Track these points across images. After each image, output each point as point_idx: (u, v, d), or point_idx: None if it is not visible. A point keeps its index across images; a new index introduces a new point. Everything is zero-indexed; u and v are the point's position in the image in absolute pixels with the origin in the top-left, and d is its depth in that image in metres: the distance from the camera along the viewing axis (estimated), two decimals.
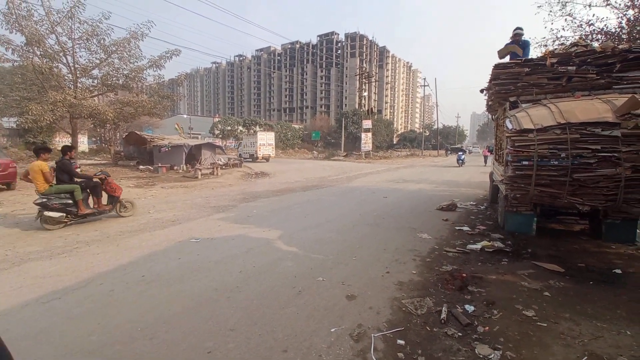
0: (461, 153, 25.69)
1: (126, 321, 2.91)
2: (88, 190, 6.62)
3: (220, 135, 45.50)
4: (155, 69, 14.28)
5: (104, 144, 25.03)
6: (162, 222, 6.61)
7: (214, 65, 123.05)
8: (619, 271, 4.08)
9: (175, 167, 16.35)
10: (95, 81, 14.27)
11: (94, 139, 33.96)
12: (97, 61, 13.62)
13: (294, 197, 9.95)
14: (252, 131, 39.32)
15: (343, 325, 2.86)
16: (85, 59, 13.68)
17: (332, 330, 2.78)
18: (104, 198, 6.85)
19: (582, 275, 3.97)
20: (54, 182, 6.19)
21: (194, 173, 14.82)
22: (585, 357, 2.39)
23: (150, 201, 8.97)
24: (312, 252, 4.81)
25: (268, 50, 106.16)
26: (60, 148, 6.79)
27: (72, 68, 13.45)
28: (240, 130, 46.43)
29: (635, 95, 4.39)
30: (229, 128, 46.52)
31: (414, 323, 2.91)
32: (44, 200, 5.95)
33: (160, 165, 15.59)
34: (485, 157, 26.16)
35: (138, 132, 18.77)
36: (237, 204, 8.80)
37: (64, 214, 6.10)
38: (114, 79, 13.92)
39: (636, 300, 3.31)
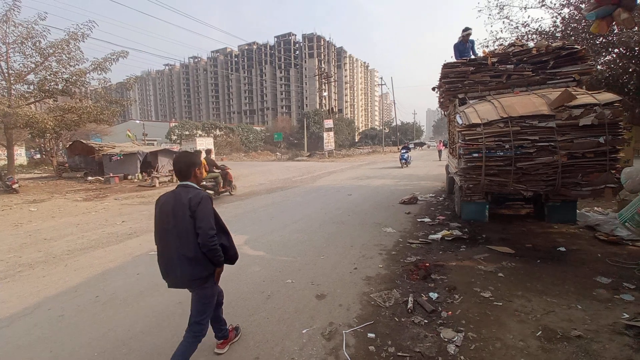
0: (405, 151, 19.83)
1: (80, 347, 2.68)
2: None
3: (178, 141, 43.39)
4: (99, 72, 13.33)
5: (44, 155, 22.73)
6: (117, 236, 6.17)
7: (167, 67, 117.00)
8: (563, 249, 4.50)
9: (130, 177, 15.37)
10: (32, 87, 12.97)
11: (32, 150, 30.81)
12: (33, 65, 12.41)
13: (258, 200, 9.79)
14: (191, 136, 39.27)
15: (314, 325, 2.87)
16: (19, 64, 12.43)
17: (304, 331, 2.77)
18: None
19: (530, 255, 4.34)
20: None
21: (151, 181, 14.03)
22: (540, 332, 2.61)
23: (102, 214, 8.33)
24: (279, 255, 4.76)
25: (224, 51, 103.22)
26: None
27: (6, 74, 12.14)
28: (200, 135, 44.69)
29: (567, 89, 4.87)
30: (187, 133, 44.49)
31: (383, 315, 3.00)
32: (204, 182, 9.29)
33: (112, 175, 14.58)
34: (440, 152, 24.78)
35: (84, 141, 17.36)
36: None
37: (213, 192, 9.71)
38: (52, 84, 12.75)
39: (582, 275, 3.64)
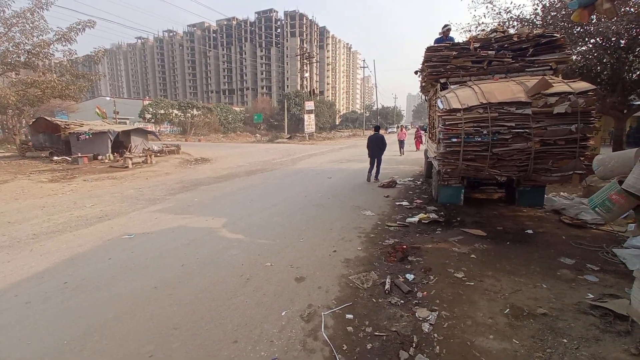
0: None
1: (49, 334, 2.57)
2: None
3: (153, 120, 41.48)
4: (64, 43, 12.36)
5: (7, 133, 21.15)
6: (86, 219, 5.89)
7: (139, 40, 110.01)
8: (530, 231, 4.72)
9: (100, 157, 14.63)
10: None
11: None
12: None
13: (237, 183, 9.61)
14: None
15: (293, 307, 2.88)
16: None
17: (283, 314, 2.78)
18: None
19: (500, 237, 4.52)
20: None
21: (124, 162, 13.41)
22: (508, 310, 2.74)
23: (70, 197, 7.91)
24: (258, 238, 4.72)
25: (202, 26, 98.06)
26: None
27: None
28: (175, 114, 42.85)
29: (544, 77, 4.96)
30: (162, 112, 42.46)
31: (361, 297, 3.05)
32: None
33: (80, 155, 13.79)
34: (401, 142, 17.58)
35: (48, 118, 16.21)
36: (176, 193, 8.22)
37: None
38: (14, 56, 11.76)
39: (547, 256, 3.83)
